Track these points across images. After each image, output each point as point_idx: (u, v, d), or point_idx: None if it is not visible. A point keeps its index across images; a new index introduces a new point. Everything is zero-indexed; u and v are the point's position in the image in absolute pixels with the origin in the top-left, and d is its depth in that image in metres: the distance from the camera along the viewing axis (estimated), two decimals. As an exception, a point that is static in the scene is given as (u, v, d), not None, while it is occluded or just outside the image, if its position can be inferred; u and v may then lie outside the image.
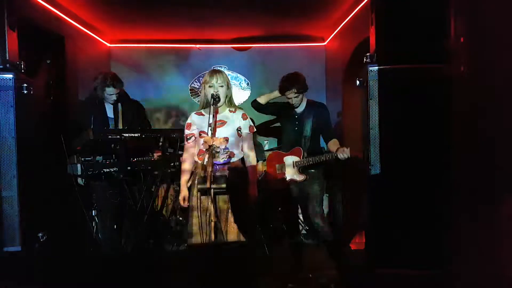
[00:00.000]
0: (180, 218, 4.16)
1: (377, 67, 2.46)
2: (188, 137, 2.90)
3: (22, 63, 2.58)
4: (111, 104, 3.87)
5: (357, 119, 2.73)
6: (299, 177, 3.67)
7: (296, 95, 3.62)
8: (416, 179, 2.49)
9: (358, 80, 2.57)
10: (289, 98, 3.67)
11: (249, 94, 5.66)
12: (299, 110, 3.75)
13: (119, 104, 3.95)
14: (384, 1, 2.49)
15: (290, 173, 3.71)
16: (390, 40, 2.47)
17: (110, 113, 3.91)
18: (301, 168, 3.65)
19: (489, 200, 1.92)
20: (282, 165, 3.76)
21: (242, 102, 5.61)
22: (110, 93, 3.78)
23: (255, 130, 2.98)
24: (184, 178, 2.95)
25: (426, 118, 2.45)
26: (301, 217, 4.32)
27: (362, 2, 3.94)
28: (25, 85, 2.53)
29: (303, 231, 4.40)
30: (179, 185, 4.26)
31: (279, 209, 4.28)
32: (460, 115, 2.17)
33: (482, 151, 1.99)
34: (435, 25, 2.39)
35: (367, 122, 2.52)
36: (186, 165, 2.94)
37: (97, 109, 3.84)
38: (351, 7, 4.26)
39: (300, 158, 3.66)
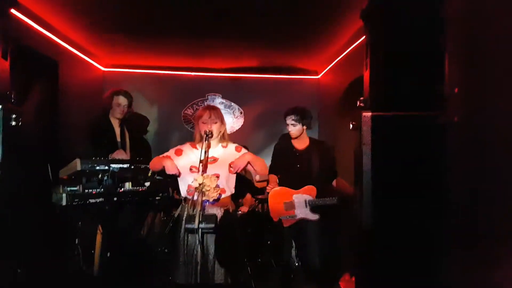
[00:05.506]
0: (166, 250, 4.06)
1: (370, 114, 2.44)
2: (173, 156, 2.80)
3: (13, 93, 2.52)
4: (118, 119, 3.81)
5: (350, 154, 2.69)
6: (313, 217, 3.56)
7: (294, 123, 3.64)
8: (408, 227, 2.45)
9: (351, 124, 2.55)
10: (287, 125, 3.70)
11: (242, 123, 5.65)
12: (301, 147, 3.73)
13: (125, 130, 3.91)
14: (379, 47, 2.49)
15: (302, 212, 3.60)
16: (385, 86, 2.46)
17: (117, 136, 3.87)
18: (313, 207, 3.58)
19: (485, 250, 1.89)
20: (291, 202, 3.63)
21: (235, 130, 5.59)
22: (119, 102, 3.75)
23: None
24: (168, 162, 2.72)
25: (421, 165, 2.42)
26: (293, 252, 4.24)
27: (358, 40, 3.98)
28: (13, 116, 2.45)
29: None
30: (166, 215, 4.20)
31: (268, 242, 4.20)
32: (455, 163, 2.15)
33: (479, 199, 1.97)
34: (431, 72, 2.39)
35: (360, 166, 2.49)
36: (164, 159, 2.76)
37: (107, 130, 3.79)
38: (346, 44, 4.30)
39: (313, 197, 3.60)
